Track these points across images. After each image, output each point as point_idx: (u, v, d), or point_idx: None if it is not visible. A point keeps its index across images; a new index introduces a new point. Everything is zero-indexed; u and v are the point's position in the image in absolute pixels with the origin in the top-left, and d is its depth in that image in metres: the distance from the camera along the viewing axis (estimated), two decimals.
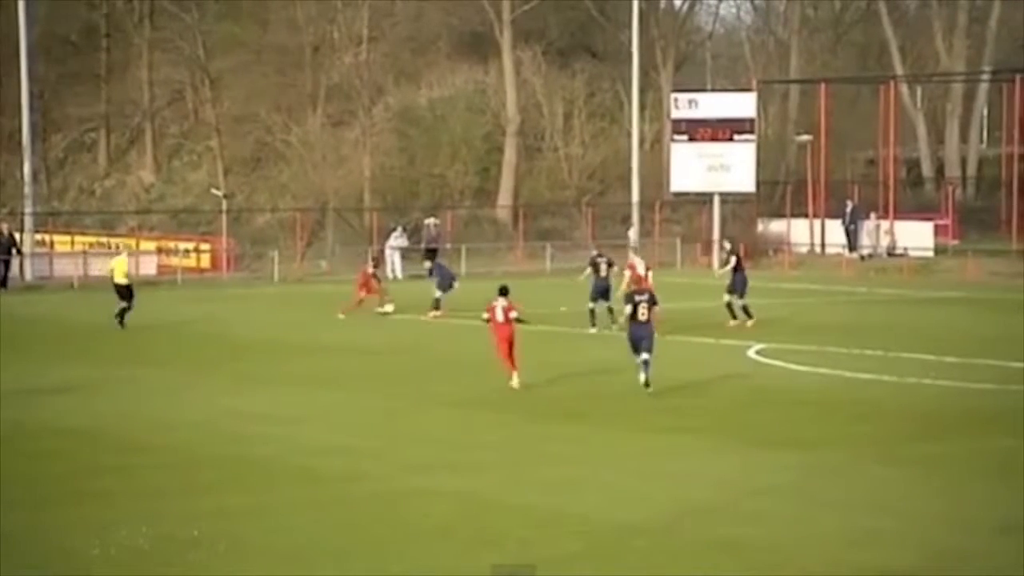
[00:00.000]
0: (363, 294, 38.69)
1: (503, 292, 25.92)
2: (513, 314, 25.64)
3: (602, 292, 34.40)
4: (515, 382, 25.34)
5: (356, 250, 56.08)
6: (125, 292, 36.29)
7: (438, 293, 38.08)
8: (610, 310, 33.71)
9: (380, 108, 63.12)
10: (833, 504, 16.83)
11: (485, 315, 26.01)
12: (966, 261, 51.12)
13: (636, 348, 24.87)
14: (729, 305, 34.78)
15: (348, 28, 62.07)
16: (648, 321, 24.83)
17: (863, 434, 21.39)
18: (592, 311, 34.26)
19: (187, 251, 55.45)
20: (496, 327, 25.66)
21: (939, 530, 15.62)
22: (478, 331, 28.05)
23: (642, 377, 24.63)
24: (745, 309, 34.77)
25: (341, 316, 37.66)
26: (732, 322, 34.43)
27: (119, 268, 37.01)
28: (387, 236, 54.84)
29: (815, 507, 16.69)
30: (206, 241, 57.42)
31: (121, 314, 35.89)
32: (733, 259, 35.47)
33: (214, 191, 60.73)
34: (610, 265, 34.83)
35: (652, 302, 24.99)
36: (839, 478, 18.32)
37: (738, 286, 34.99)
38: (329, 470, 18.59)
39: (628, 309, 25.25)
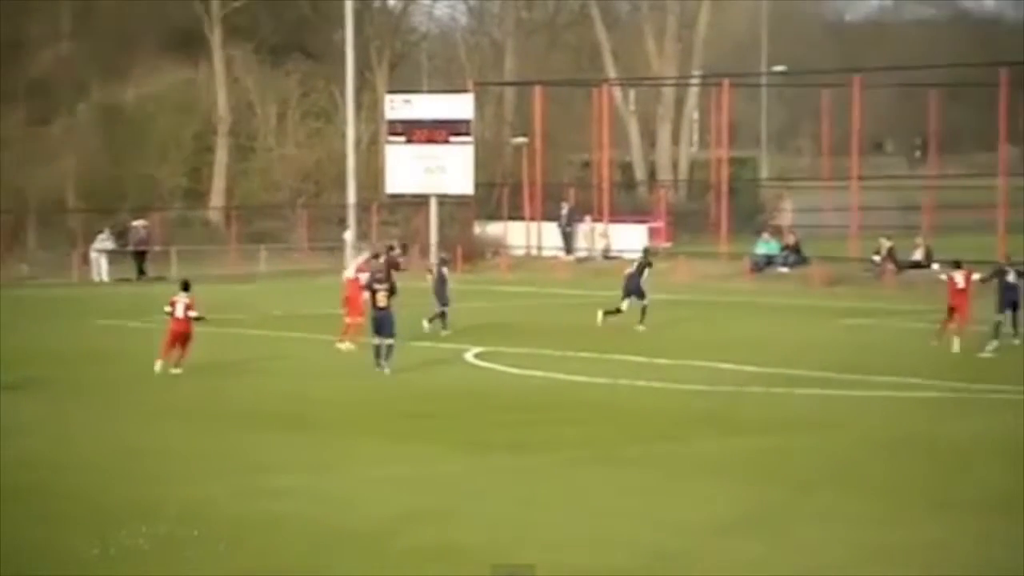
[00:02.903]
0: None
1: (185, 288, 27.55)
2: (192, 312, 27.21)
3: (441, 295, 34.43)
4: (176, 369, 27.03)
5: (60, 253, 53.99)
6: None
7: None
8: (442, 315, 33.88)
9: (84, 106, 60.92)
10: (550, 506, 16.94)
11: (168, 308, 27.29)
12: (678, 263, 51.85)
13: (378, 331, 27.37)
14: (619, 310, 34.96)
15: (49, 22, 59.68)
16: (388, 307, 27.35)
17: (578, 436, 21.51)
18: (444, 313, 34.15)
19: None
20: (174, 322, 27.09)
21: (651, 531, 15.73)
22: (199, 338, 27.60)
23: (381, 362, 27.12)
24: (643, 311, 34.97)
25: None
26: (601, 318, 34.80)
27: None
28: (93, 239, 53.01)
29: (532, 509, 16.77)
30: None
31: None
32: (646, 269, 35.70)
33: None
34: (444, 263, 35.06)
35: (391, 290, 27.54)
36: (555, 480, 18.41)
37: (634, 290, 35.21)
38: (30, 484, 17.62)
39: (366, 294, 28.12)
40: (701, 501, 17.13)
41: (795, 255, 51.29)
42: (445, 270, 34.89)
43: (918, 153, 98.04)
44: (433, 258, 35.48)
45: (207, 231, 59.39)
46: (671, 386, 26.09)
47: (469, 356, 30.26)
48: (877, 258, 47.88)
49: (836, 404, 24.38)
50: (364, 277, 29.82)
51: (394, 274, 33.89)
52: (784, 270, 50.35)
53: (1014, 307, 31.23)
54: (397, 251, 39.42)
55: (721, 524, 15.93)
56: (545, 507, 16.84)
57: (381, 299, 27.44)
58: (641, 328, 34.54)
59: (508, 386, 26.52)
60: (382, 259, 37.09)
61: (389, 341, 27.32)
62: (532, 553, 14.74)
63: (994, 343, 30.10)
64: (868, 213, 52.72)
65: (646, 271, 35.78)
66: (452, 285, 34.93)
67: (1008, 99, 50.71)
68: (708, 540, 15.32)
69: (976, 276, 31.37)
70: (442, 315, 34.00)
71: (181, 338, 27.02)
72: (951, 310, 30.89)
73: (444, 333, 33.46)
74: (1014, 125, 54.42)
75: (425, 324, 33.66)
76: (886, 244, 48.06)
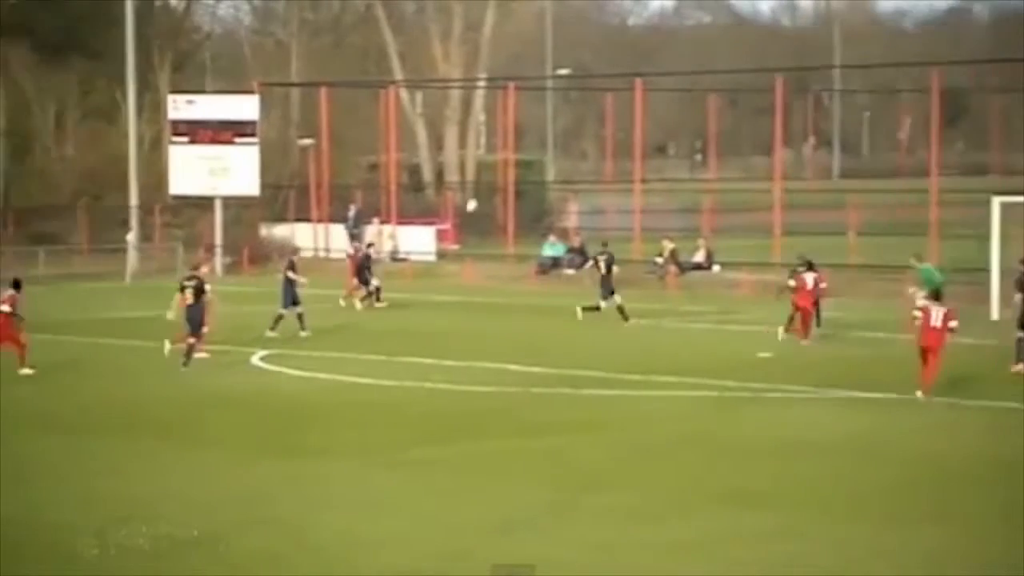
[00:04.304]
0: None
1: (15, 286, 28.22)
2: (4, 307, 27.74)
3: (292, 298, 34.25)
4: (24, 371, 27.37)
5: None
6: None
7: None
8: (299, 316, 33.90)
9: None
10: (338, 509, 17.01)
11: None
12: (465, 265, 52.10)
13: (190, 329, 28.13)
14: (598, 307, 36.14)
15: None
16: (195, 304, 28.25)
17: (365, 439, 21.55)
18: (281, 316, 33.96)
19: None
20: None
21: (439, 532, 15.93)
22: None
23: (187, 358, 27.91)
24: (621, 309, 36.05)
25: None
26: (580, 314, 36.21)
27: None
28: None
29: (321, 513, 16.80)
30: None
31: None
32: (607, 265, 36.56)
33: None
34: (291, 267, 34.86)
35: (200, 288, 28.40)
36: (342, 484, 18.45)
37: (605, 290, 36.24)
38: None
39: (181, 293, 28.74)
40: (487, 501, 17.35)
41: (581, 257, 51.93)
42: (291, 273, 34.71)
43: (699, 156, 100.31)
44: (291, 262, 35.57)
45: None
46: (458, 388, 26.21)
47: (255, 359, 29.99)
48: (660, 260, 48.74)
49: (620, 404, 24.79)
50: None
51: (368, 272, 39.66)
52: (570, 272, 50.92)
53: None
54: (370, 248, 42.39)
55: (506, 523, 16.14)
56: (335, 511, 16.88)
57: (189, 296, 28.28)
58: (629, 323, 35.71)
59: (297, 389, 26.36)
60: (360, 255, 41.06)
61: (191, 340, 28.07)
62: (324, 555, 14.90)
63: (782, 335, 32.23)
64: (651, 215, 53.66)
65: (613, 267, 36.68)
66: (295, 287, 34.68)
67: (784, 104, 52.13)
68: (493, 539, 15.54)
69: (824, 284, 32.47)
70: (299, 316, 34.00)
71: (3, 334, 27.60)
72: (797, 308, 31.81)
73: (304, 334, 33.47)
74: (790, 130, 55.90)
75: (303, 333, 33.74)
76: (668, 246, 48.95)
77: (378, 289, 40.70)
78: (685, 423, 22.89)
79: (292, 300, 34.22)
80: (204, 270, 30.88)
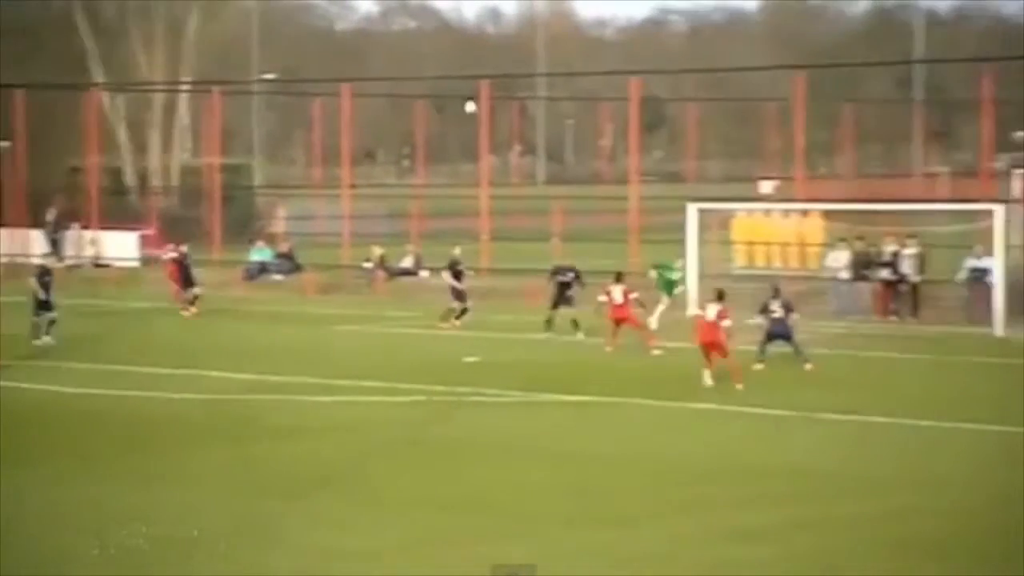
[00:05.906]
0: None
1: None
2: None
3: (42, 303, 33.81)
4: None
5: None
6: None
7: None
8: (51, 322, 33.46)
9: None
10: (27, 523, 16.66)
11: None
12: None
13: None
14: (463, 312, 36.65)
15: None
16: None
17: (74, 450, 21.24)
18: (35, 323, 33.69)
19: None
20: None
21: (144, 545, 15.69)
22: None
23: None
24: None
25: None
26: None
27: None
28: None
29: (21, 527, 16.44)
30: None
31: None
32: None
33: None
34: (46, 272, 34.59)
35: None
36: (39, 497, 18.11)
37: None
38: None
39: None
40: (186, 512, 17.16)
41: (289, 262, 51.71)
42: (48, 279, 34.34)
43: (407, 162, 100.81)
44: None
45: None
46: (168, 395, 25.92)
47: None
48: (369, 265, 48.91)
49: (328, 410, 24.86)
50: None
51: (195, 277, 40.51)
52: (279, 277, 50.67)
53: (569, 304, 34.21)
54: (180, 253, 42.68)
55: (213, 534, 16.03)
56: (28, 524, 16.60)
57: None
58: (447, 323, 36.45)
59: (13, 401, 25.57)
60: (181, 258, 41.52)
61: None
62: (78, 568, 14.75)
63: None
64: (360, 221, 53.77)
65: (461, 275, 37.37)
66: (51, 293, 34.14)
67: (489, 111, 52.90)
68: (199, 550, 15.46)
69: (635, 295, 32.32)
70: (51, 322, 33.57)
71: None
72: (616, 322, 31.81)
73: (45, 341, 32.99)
74: (496, 136, 56.73)
75: (46, 339, 33.09)
76: (377, 251, 49.16)
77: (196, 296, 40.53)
78: (395, 428, 23.09)
79: (44, 306, 33.77)
80: None
